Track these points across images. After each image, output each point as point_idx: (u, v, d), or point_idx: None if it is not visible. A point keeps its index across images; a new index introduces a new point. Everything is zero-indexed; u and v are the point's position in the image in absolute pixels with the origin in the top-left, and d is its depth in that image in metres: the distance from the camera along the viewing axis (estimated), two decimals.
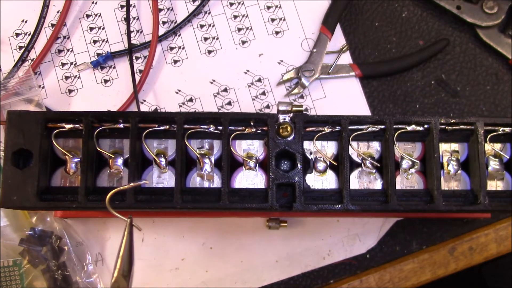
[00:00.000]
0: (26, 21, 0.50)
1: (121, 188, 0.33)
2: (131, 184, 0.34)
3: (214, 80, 0.50)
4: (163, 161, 0.38)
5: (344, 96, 0.50)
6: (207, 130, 0.37)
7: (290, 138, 0.37)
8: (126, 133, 0.37)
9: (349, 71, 0.50)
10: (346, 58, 0.51)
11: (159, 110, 0.49)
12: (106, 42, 0.50)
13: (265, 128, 0.38)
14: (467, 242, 0.48)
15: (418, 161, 0.39)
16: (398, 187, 0.39)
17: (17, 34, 0.50)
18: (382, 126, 0.38)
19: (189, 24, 0.51)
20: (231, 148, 0.37)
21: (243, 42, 0.51)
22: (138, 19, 0.51)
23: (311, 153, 0.39)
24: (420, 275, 0.47)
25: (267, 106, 0.49)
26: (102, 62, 0.49)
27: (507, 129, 0.38)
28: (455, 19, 0.52)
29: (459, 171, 0.39)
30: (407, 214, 0.47)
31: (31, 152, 0.36)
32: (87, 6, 0.51)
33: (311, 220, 0.47)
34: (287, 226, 0.46)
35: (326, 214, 0.47)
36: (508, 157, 0.40)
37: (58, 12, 0.50)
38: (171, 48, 0.50)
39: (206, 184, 0.38)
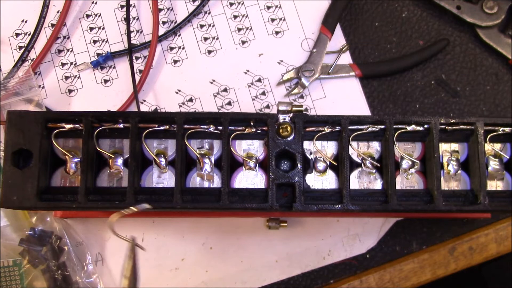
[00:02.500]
0: (26, 21, 0.50)
1: (125, 211, 0.33)
2: (134, 207, 0.34)
3: (214, 80, 0.50)
4: (163, 161, 0.38)
5: (344, 96, 0.50)
6: (207, 130, 0.37)
7: (290, 138, 0.37)
8: (126, 133, 0.37)
9: (349, 71, 0.50)
10: (346, 58, 0.51)
11: (159, 110, 0.49)
12: (106, 42, 0.50)
13: (265, 128, 0.38)
14: (467, 242, 0.48)
15: (418, 161, 0.39)
16: (398, 187, 0.39)
17: (17, 34, 0.50)
18: (382, 126, 0.38)
19: (189, 24, 0.51)
20: (231, 148, 0.37)
21: (243, 42, 0.51)
22: (138, 19, 0.51)
23: (311, 153, 0.39)
24: (420, 275, 0.47)
25: (267, 106, 0.49)
26: (102, 62, 0.49)
27: (507, 129, 0.38)
28: (455, 19, 0.52)
29: (459, 171, 0.39)
30: (407, 214, 0.47)
31: (31, 152, 0.36)
32: (87, 6, 0.51)
33: (311, 220, 0.47)
34: (287, 226, 0.46)
35: (326, 214, 0.47)
36: (508, 157, 0.40)
37: (58, 12, 0.50)
38: (171, 48, 0.50)
39: (206, 184, 0.38)
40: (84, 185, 0.36)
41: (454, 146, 0.40)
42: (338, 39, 0.51)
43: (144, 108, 0.49)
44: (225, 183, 0.36)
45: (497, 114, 0.50)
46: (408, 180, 0.40)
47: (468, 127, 0.38)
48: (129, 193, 0.36)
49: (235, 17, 0.51)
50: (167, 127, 0.37)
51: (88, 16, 0.51)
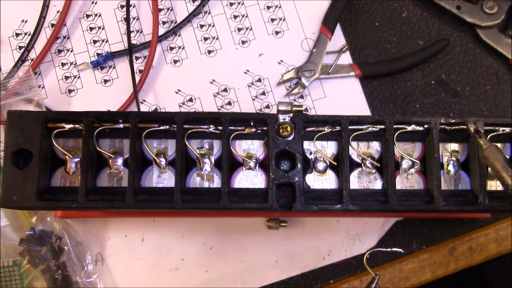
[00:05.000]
0: (26, 21, 0.50)
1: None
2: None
3: (214, 80, 0.50)
4: (163, 161, 0.38)
5: (344, 96, 0.50)
6: (207, 130, 0.37)
7: (290, 138, 0.37)
8: (126, 133, 0.37)
9: (349, 71, 0.50)
10: (346, 58, 0.51)
11: (159, 110, 0.49)
12: (106, 42, 0.50)
13: (265, 128, 0.38)
14: (467, 242, 0.48)
15: (418, 161, 0.39)
16: (398, 187, 0.39)
17: (17, 34, 0.50)
18: (382, 126, 0.38)
19: (189, 24, 0.51)
20: (231, 148, 0.37)
21: (243, 42, 0.51)
22: (138, 19, 0.51)
23: (311, 153, 0.39)
24: (420, 275, 0.47)
25: (267, 106, 0.49)
26: (102, 62, 0.49)
27: (507, 129, 0.38)
28: (455, 19, 0.52)
29: (459, 171, 0.39)
30: (407, 214, 0.47)
31: (31, 152, 0.36)
32: (87, 6, 0.51)
33: (311, 220, 0.47)
34: (287, 226, 0.46)
35: (326, 214, 0.47)
36: (508, 157, 0.40)
37: (58, 12, 0.50)
38: (171, 48, 0.50)
39: (206, 184, 0.38)
40: (84, 185, 0.36)
41: (454, 146, 0.40)
42: (338, 39, 0.51)
43: (144, 108, 0.49)
44: (225, 183, 0.36)
45: (497, 114, 0.50)
46: (408, 180, 0.40)
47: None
48: (129, 193, 0.36)
49: (235, 17, 0.51)
50: (167, 127, 0.37)
51: (88, 16, 0.51)
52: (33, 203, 0.35)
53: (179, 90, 0.49)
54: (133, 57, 0.49)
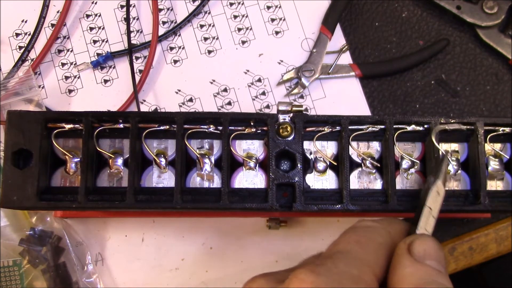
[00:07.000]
0: (26, 21, 0.50)
1: None
2: None
3: (214, 80, 0.50)
4: (163, 161, 0.38)
5: (344, 96, 0.50)
6: (207, 130, 0.37)
7: (290, 138, 0.37)
8: (126, 133, 0.37)
9: (349, 71, 0.50)
10: (346, 58, 0.51)
11: (159, 110, 0.49)
12: (106, 42, 0.50)
13: (265, 128, 0.38)
14: (467, 242, 0.48)
15: (418, 161, 0.39)
16: (398, 187, 0.39)
17: (17, 34, 0.50)
18: (382, 126, 0.38)
19: (189, 24, 0.51)
20: (231, 148, 0.37)
21: (243, 42, 0.51)
22: (138, 19, 0.51)
23: (311, 153, 0.39)
24: None
25: (267, 106, 0.49)
26: (102, 62, 0.49)
27: (507, 129, 0.38)
28: (455, 19, 0.52)
29: (459, 171, 0.39)
30: (407, 214, 0.47)
31: (31, 152, 0.36)
32: (87, 6, 0.51)
33: (311, 220, 0.47)
34: (287, 226, 0.46)
35: (326, 214, 0.47)
36: (508, 157, 0.40)
37: (58, 12, 0.50)
38: (171, 48, 0.50)
39: (206, 184, 0.38)
40: (84, 185, 0.36)
41: (454, 146, 0.40)
42: (338, 39, 0.51)
43: (144, 108, 0.49)
44: (225, 183, 0.36)
45: (497, 114, 0.50)
46: (408, 180, 0.39)
47: (468, 127, 0.38)
48: (129, 193, 0.36)
49: (235, 17, 0.51)
50: (167, 127, 0.37)
51: (88, 16, 0.51)
52: (33, 203, 0.35)
53: (179, 90, 0.49)
54: (133, 57, 0.49)
